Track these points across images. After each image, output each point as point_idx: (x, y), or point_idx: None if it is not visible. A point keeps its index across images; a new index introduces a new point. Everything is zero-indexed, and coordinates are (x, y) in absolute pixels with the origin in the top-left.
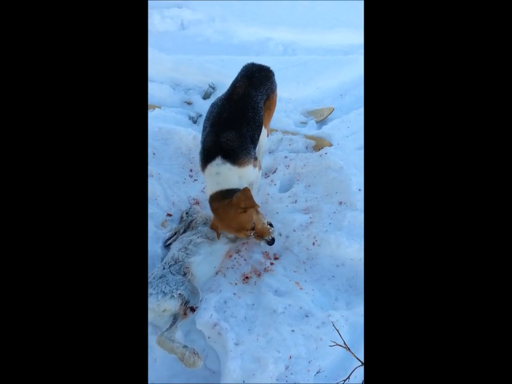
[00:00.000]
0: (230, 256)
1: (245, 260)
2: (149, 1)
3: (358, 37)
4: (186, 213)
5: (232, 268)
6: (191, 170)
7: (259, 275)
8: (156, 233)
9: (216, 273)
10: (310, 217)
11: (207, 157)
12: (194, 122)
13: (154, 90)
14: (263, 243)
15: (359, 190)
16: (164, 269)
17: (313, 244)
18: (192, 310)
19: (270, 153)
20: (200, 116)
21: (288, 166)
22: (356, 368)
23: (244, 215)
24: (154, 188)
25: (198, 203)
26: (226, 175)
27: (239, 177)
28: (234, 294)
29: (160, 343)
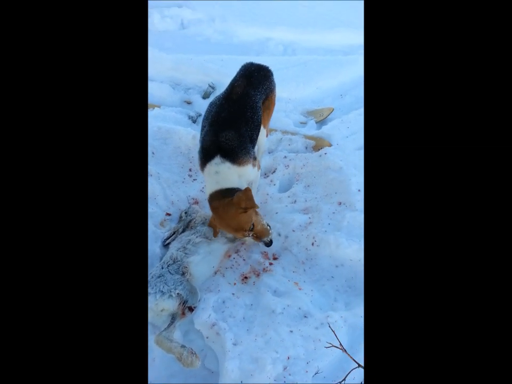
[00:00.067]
0: (229, 256)
1: (244, 260)
2: (149, 1)
3: (358, 37)
4: (185, 213)
5: (231, 267)
6: (190, 170)
7: (258, 275)
8: (154, 232)
9: (215, 273)
10: (309, 218)
11: (206, 156)
12: (194, 121)
13: (154, 90)
14: (261, 244)
15: (359, 190)
16: (162, 268)
17: (313, 244)
18: (191, 309)
19: (269, 153)
20: (200, 115)
21: (288, 166)
22: (352, 369)
23: (244, 215)
24: (153, 187)
25: (197, 202)
26: (226, 174)
27: (239, 176)
28: (233, 294)
29: (158, 343)
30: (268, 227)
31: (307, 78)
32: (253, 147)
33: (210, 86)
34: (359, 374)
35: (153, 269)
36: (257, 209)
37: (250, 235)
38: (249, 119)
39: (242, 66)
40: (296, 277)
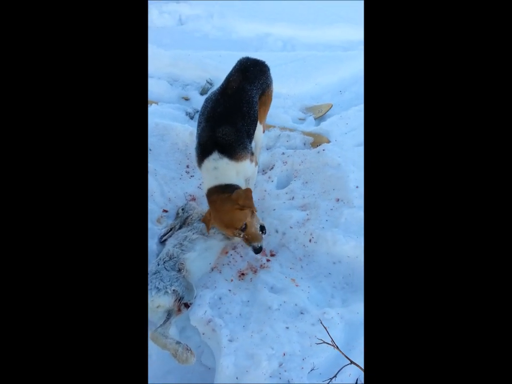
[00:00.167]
0: (226, 252)
1: (241, 256)
2: None
3: (357, 33)
4: (182, 209)
5: (228, 264)
6: (187, 166)
7: (255, 272)
8: (151, 229)
9: (212, 269)
10: (307, 214)
11: (203, 152)
12: (191, 118)
13: (152, 86)
14: (250, 249)
15: (357, 187)
16: (158, 265)
17: (310, 240)
18: (187, 306)
19: (267, 149)
20: (197, 111)
21: (286, 162)
22: (344, 366)
23: (238, 212)
24: (150, 184)
25: (195, 199)
26: (224, 169)
27: (237, 172)
28: (230, 290)
29: (153, 339)
30: (261, 233)
31: (306, 74)
32: (250, 142)
33: (208, 82)
34: (355, 370)
35: (150, 265)
36: (255, 213)
37: (241, 236)
38: (245, 114)
39: (238, 61)
40: (293, 273)
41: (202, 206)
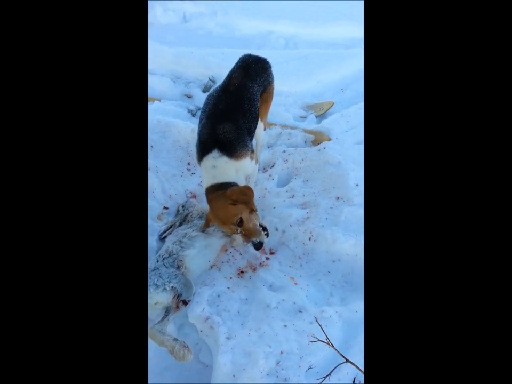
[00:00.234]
0: (226, 250)
1: (241, 254)
2: None
3: (360, 31)
4: (183, 206)
5: (228, 262)
6: (189, 164)
7: (254, 270)
8: (151, 226)
9: (211, 267)
10: (307, 212)
11: (203, 149)
12: (193, 115)
13: (155, 83)
14: (249, 245)
15: (357, 185)
16: (157, 261)
17: (310, 239)
18: (185, 303)
19: (268, 147)
20: (199, 109)
21: (287, 160)
22: (339, 364)
23: (232, 207)
24: (151, 180)
25: (195, 196)
26: (223, 168)
27: (236, 170)
28: (228, 288)
29: (151, 336)
30: (261, 229)
31: (308, 71)
32: (251, 139)
33: (210, 80)
34: (353, 369)
35: (149, 262)
36: (254, 210)
37: (239, 231)
38: (246, 111)
39: (240, 58)
40: (293, 271)
41: (203, 203)
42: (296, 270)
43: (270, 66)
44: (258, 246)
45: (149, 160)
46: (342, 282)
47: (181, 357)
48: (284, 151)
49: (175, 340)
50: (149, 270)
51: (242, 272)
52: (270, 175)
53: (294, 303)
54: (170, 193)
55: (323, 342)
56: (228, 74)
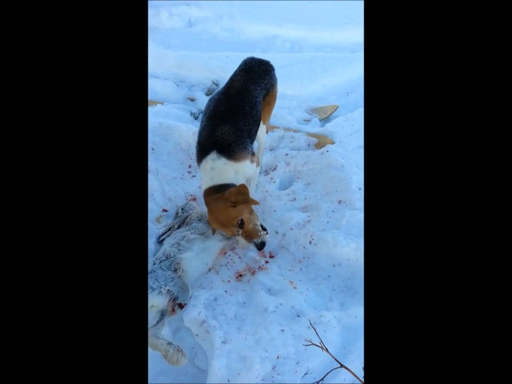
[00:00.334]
0: (224, 253)
1: (240, 257)
2: None
3: None
4: (182, 209)
5: (226, 265)
6: (189, 166)
7: (253, 273)
8: (150, 228)
9: (209, 270)
10: (308, 216)
11: (202, 151)
12: (196, 118)
13: (158, 87)
14: (252, 246)
15: (359, 188)
16: (154, 264)
17: (310, 242)
18: (181, 306)
19: (270, 150)
20: (202, 112)
21: (289, 163)
22: (333, 369)
23: (232, 209)
24: (151, 183)
25: (195, 199)
26: (221, 170)
27: (235, 172)
28: (226, 291)
29: None
30: (261, 229)
31: (312, 75)
32: (252, 142)
33: (214, 83)
34: (351, 375)
35: None
36: (253, 209)
37: (240, 233)
38: (247, 114)
39: (242, 61)
40: (292, 275)
41: (202, 206)
42: (296, 274)
43: (273, 69)
44: (260, 246)
45: (149, 163)
46: (342, 287)
47: (174, 361)
48: (287, 154)
49: (169, 343)
50: None
51: (240, 275)
52: (271, 178)
53: (292, 307)
54: (170, 195)
55: (317, 345)
56: (231, 77)
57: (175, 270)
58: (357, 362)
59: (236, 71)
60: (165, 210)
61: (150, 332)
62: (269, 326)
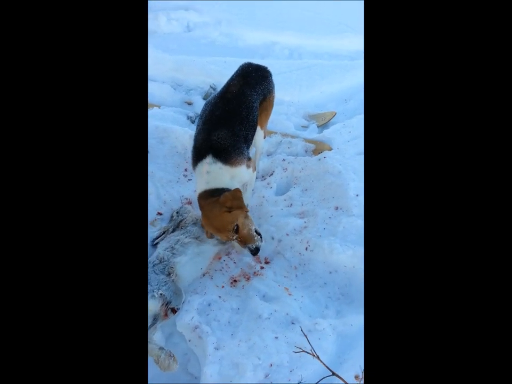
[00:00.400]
0: (219, 258)
1: (235, 262)
2: (156, 3)
3: None
4: (177, 212)
5: (221, 270)
6: (185, 170)
7: (248, 279)
8: None
9: (203, 275)
10: (305, 222)
11: (198, 155)
12: (193, 122)
13: (155, 90)
14: (246, 251)
15: (357, 195)
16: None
17: (306, 249)
18: (174, 311)
19: (268, 155)
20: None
21: (286, 169)
22: (324, 377)
23: (228, 214)
24: None
25: (190, 203)
26: (217, 174)
27: (231, 177)
28: (220, 297)
29: None
30: (256, 234)
31: (311, 82)
32: (248, 147)
33: (211, 87)
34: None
35: None
36: (248, 214)
37: (235, 238)
38: (244, 118)
39: (240, 66)
40: (287, 282)
41: (198, 210)
42: (291, 281)
43: (270, 75)
44: (255, 251)
45: (147, 166)
46: (338, 294)
47: (166, 367)
48: (284, 160)
49: (161, 348)
50: None
51: (235, 281)
52: (268, 183)
53: (287, 314)
54: (165, 199)
55: (308, 353)
56: (227, 81)
57: (169, 274)
58: (351, 371)
59: (233, 76)
60: (159, 214)
61: None
62: (262, 333)
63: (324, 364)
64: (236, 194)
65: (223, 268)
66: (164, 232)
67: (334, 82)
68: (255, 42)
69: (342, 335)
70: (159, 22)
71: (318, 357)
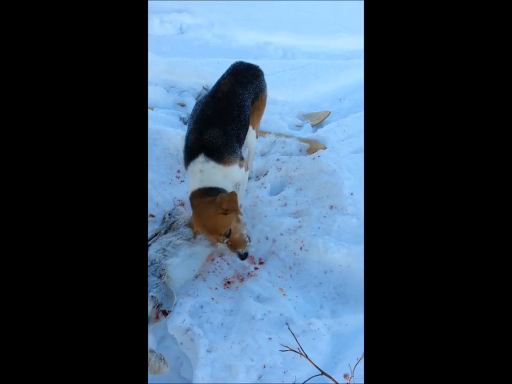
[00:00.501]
0: (212, 259)
1: (228, 264)
2: (148, 6)
3: (360, 43)
4: (169, 214)
5: (214, 272)
6: (178, 171)
7: (242, 280)
8: None
9: (196, 276)
10: (299, 221)
11: (190, 154)
12: (185, 123)
13: (148, 93)
14: (235, 255)
15: (351, 194)
16: None
17: (301, 248)
18: (165, 313)
19: (262, 155)
20: None
21: (280, 168)
22: (313, 377)
23: (223, 217)
24: None
25: (183, 204)
26: (210, 172)
27: (224, 176)
28: (213, 298)
29: None
30: (247, 239)
31: (305, 81)
32: (240, 146)
33: (204, 88)
34: None
35: None
36: (240, 218)
37: (225, 241)
38: (235, 117)
39: (231, 65)
40: (282, 282)
41: (190, 211)
42: (286, 281)
43: (262, 74)
44: (244, 256)
45: (148, 170)
46: (333, 294)
47: (156, 370)
48: (278, 159)
49: (151, 351)
50: None
51: (229, 282)
52: (262, 183)
53: (281, 314)
54: (158, 200)
55: (295, 351)
56: (218, 80)
57: (160, 276)
58: (346, 371)
59: (224, 74)
60: (152, 216)
61: None
62: (256, 334)
63: (312, 363)
64: (233, 197)
65: (216, 269)
66: (156, 234)
67: (328, 81)
68: (248, 43)
69: (337, 335)
70: (152, 25)
71: (306, 356)
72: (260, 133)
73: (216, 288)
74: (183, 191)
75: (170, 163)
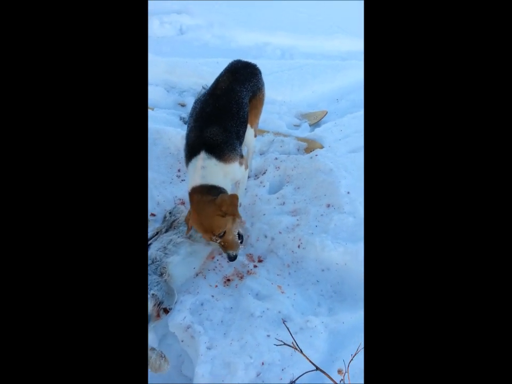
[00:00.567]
0: (213, 257)
1: (228, 262)
2: (148, 7)
3: (357, 44)
4: (170, 213)
5: (214, 269)
6: (179, 171)
7: (241, 278)
8: None
9: (196, 274)
10: (297, 220)
11: (191, 151)
12: (185, 123)
13: (149, 93)
14: (224, 255)
15: (348, 192)
16: None
17: (299, 246)
18: (166, 311)
19: (260, 154)
20: None
21: (278, 167)
22: (306, 373)
23: (220, 219)
24: None
25: (184, 203)
26: (212, 170)
27: (224, 174)
28: (213, 296)
29: None
30: (239, 242)
31: (303, 81)
32: (240, 144)
33: (204, 88)
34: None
35: None
36: (236, 220)
37: (217, 241)
38: (234, 114)
39: (229, 63)
40: (280, 280)
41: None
42: (284, 279)
43: (259, 72)
44: (233, 258)
45: (148, 169)
46: (330, 292)
47: (157, 368)
48: (276, 158)
49: (152, 349)
50: None
51: (228, 280)
52: (261, 182)
53: (279, 312)
54: (158, 200)
55: (289, 346)
56: (216, 78)
57: (161, 274)
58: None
59: (222, 72)
60: (153, 215)
61: None
62: (254, 331)
63: (307, 358)
64: (233, 201)
65: (216, 267)
66: (157, 233)
67: (326, 82)
68: (247, 43)
69: (334, 332)
70: (152, 26)
71: (301, 351)
72: (259, 132)
73: (216, 286)
74: (184, 190)
75: (171, 162)
